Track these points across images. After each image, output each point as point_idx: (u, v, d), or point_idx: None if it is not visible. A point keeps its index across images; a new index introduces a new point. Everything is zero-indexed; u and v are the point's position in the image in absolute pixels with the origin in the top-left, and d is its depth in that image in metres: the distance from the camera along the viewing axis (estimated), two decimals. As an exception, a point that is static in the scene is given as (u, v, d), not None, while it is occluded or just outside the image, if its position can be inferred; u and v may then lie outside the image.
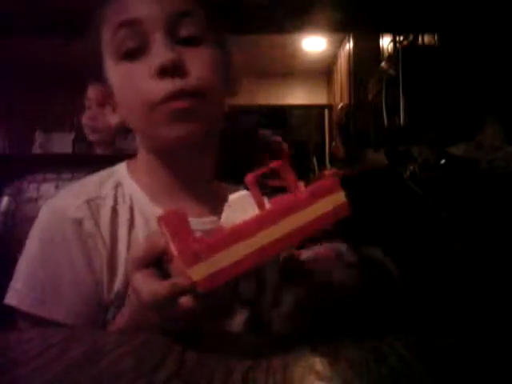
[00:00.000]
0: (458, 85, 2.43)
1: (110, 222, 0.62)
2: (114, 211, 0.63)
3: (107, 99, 0.66)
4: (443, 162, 1.87)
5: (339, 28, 3.07)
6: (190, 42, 0.61)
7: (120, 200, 0.65)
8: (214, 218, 0.65)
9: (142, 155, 0.68)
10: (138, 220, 0.64)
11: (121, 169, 0.69)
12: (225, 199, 0.68)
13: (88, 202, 0.63)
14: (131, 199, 0.66)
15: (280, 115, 5.30)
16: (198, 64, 0.60)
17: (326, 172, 2.22)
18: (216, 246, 0.39)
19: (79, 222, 0.61)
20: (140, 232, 0.63)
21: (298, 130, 5.34)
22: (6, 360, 0.38)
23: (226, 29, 0.71)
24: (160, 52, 0.58)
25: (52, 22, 2.76)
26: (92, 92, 1.63)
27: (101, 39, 0.63)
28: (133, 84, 0.60)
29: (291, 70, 5.11)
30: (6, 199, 0.81)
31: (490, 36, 2.37)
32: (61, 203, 0.63)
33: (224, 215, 0.45)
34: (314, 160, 3.21)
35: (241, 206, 0.43)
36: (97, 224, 0.61)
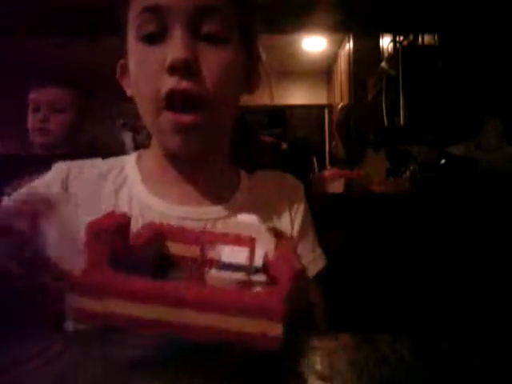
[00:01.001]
0: (457, 85, 2.43)
1: (77, 192, 0.64)
2: (89, 182, 0.65)
3: (125, 73, 0.66)
4: (443, 161, 1.87)
5: (339, 28, 3.06)
6: (213, 39, 0.59)
7: (110, 176, 0.67)
8: (216, 208, 0.65)
9: (153, 142, 0.68)
10: (122, 198, 0.65)
11: (131, 156, 0.71)
12: (238, 186, 0.70)
13: (71, 167, 0.67)
14: (125, 180, 0.67)
15: (280, 115, 5.29)
16: (215, 66, 0.58)
17: (326, 172, 2.22)
18: (111, 290, 0.34)
19: (51, 183, 0.65)
20: (110, 200, 0.64)
21: (298, 129, 5.34)
22: (5, 360, 0.38)
23: (257, 28, 0.68)
24: (176, 46, 0.56)
25: (52, 21, 2.76)
26: (41, 94, 1.61)
27: (126, 20, 0.62)
28: (146, 69, 0.59)
29: (291, 69, 5.11)
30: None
31: (490, 36, 2.37)
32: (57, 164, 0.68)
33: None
34: (314, 160, 3.21)
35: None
36: (63, 187, 0.65)
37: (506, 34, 2.30)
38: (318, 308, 0.64)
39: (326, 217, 1.32)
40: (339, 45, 4.45)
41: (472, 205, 1.50)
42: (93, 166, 0.68)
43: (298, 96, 5.40)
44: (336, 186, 2.02)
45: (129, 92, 0.66)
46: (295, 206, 0.72)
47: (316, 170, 3.10)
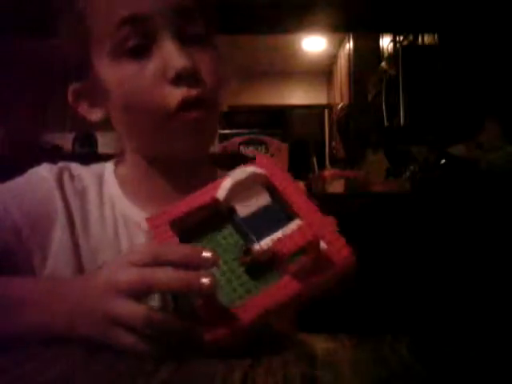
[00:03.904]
0: (457, 85, 2.43)
1: (61, 195, 0.62)
2: (73, 195, 0.63)
3: (84, 96, 0.63)
4: (443, 161, 1.88)
5: (339, 28, 3.06)
6: (197, 41, 0.58)
7: (91, 190, 0.64)
8: None
9: (132, 158, 0.65)
10: (106, 214, 0.63)
11: (109, 166, 0.68)
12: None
13: (61, 168, 0.65)
14: (105, 193, 0.64)
15: (280, 115, 5.29)
16: (208, 69, 0.58)
17: (326, 172, 2.22)
18: None
19: (46, 179, 0.63)
20: (94, 214, 0.63)
21: (298, 129, 5.33)
22: (5, 360, 0.38)
23: (219, 30, 0.69)
24: (174, 56, 0.55)
25: (53, 21, 2.76)
26: None
27: (88, 35, 0.58)
28: (141, 85, 0.56)
29: (291, 69, 5.11)
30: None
31: (490, 36, 2.37)
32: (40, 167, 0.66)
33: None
34: (314, 160, 3.21)
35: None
36: (60, 186, 0.63)
37: (506, 35, 2.30)
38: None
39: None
40: (339, 45, 4.46)
41: (472, 205, 1.50)
42: (77, 178, 0.66)
43: (298, 96, 5.39)
44: (336, 186, 2.01)
45: (94, 117, 0.63)
46: None
47: (316, 169, 3.10)
